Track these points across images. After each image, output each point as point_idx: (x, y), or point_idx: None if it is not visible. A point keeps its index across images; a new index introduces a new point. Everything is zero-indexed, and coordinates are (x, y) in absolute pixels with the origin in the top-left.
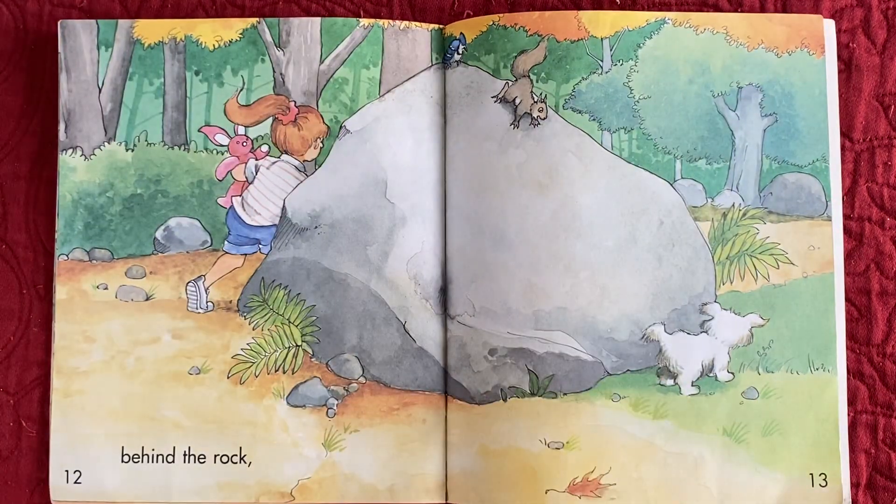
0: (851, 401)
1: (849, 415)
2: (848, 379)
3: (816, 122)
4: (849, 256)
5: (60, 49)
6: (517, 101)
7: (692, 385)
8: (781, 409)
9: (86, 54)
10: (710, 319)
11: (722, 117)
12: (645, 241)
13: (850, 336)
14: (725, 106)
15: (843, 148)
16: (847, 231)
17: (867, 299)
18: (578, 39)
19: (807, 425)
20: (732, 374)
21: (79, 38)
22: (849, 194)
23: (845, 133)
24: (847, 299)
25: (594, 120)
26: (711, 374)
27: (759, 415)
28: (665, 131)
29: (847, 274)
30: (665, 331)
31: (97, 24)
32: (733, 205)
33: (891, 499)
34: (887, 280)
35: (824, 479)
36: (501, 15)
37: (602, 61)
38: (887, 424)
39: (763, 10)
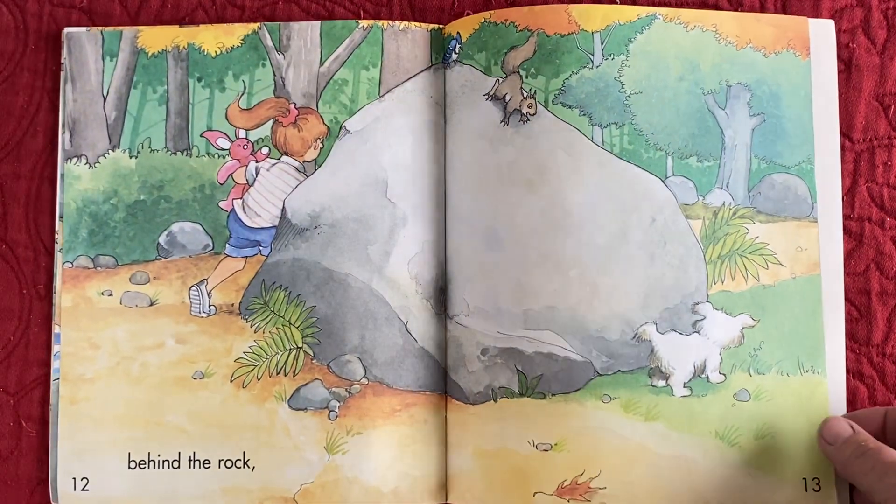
0: (851, 401)
1: None
2: (847, 379)
3: (802, 124)
4: (849, 256)
5: (65, 59)
6: (507, 97)
7: (684, 386)
8: (773, 411)
9: (90, 65)
10: (702, 319)
11: (712, 115)
12: (636, 238)
13: (850, 336)
14: (715, 104)
15: (843, 148)
16: (847, 231)
17: (867, 299)
18: (569, 33)
19: (799, 428)
20: (724, 375)
21: (84, 49)
22: (849, 194)
23: (845, 133)
24: (847, 299)
25: (585, 115)
26: (703, 376)
27: (751, 417)
28: (657, 127)
29: (847, 274)
30: (657, 330)
31: (102, 34)
32: (724, 203)
33: None
34: (887, 280)
35: (818, 484)
36: (493, 11)
37: (593, 55)
38: None
39: (763, 9)
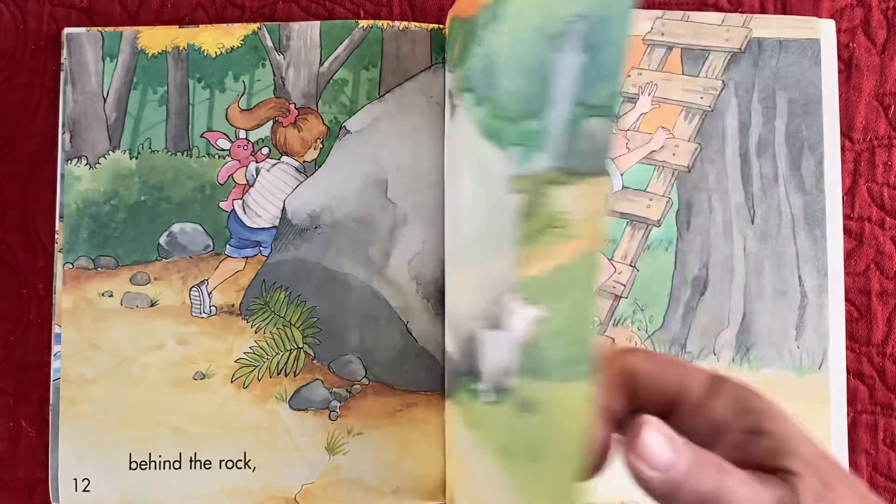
0: (851, 401)
1: (848, 415)
2: (848, 379)
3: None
4: (849, 256)
5: (65, 61)
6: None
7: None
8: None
9: (91, 66)
10: (508, 312)
11: (550, 64)
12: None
13: (850, 336)
14: (553, 49)
15: (843, 148)
16: (847, 231)
17: (867, 299)
18: (472, 15)
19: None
20: (516, 378)
21: (84, 51)
22: (849, 194)
23: (845, 133)
24: (847, 299)
25: (475, 97)
26: (504, 378)
27: (532, 432)
28: (507, 94)
29: (847, 274)
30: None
31: (102, 35)
32: (547, 169)
33: (891, 499)
34: (887, 280)
35: None
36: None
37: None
38: (887, 425)
39: (763, 9)
